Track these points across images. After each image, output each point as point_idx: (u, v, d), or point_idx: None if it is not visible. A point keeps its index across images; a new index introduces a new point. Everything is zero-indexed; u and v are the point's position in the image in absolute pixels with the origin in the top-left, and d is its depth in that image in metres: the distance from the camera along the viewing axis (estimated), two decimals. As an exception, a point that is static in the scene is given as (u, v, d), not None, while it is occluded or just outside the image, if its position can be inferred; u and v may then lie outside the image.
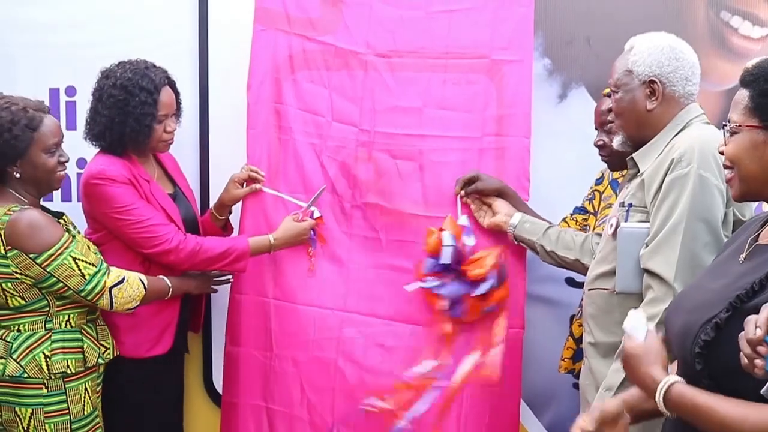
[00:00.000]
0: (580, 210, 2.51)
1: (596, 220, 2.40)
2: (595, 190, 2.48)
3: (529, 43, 2.43)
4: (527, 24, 2.41)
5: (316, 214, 2.49)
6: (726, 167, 1.51)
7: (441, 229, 2.38)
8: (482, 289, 2.32)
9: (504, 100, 2.41)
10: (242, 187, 2.51)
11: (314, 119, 2.52)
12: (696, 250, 1.79)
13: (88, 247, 2.22)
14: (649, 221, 1.88)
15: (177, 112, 2.43)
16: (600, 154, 2.36)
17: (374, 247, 2.48)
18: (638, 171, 1.97)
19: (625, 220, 1.94)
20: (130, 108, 2.28)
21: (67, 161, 2.22)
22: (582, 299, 2.37)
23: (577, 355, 2.39)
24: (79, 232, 2.29)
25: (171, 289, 2.34)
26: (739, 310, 1.35)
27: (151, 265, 2.36)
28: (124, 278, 2.20)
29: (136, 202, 2.30)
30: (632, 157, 1.99)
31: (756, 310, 1.31)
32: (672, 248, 1.80)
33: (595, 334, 2.03)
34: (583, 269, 2.24)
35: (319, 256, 2.50)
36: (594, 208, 2.47)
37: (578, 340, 2.36)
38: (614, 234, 1.96)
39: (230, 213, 2.60)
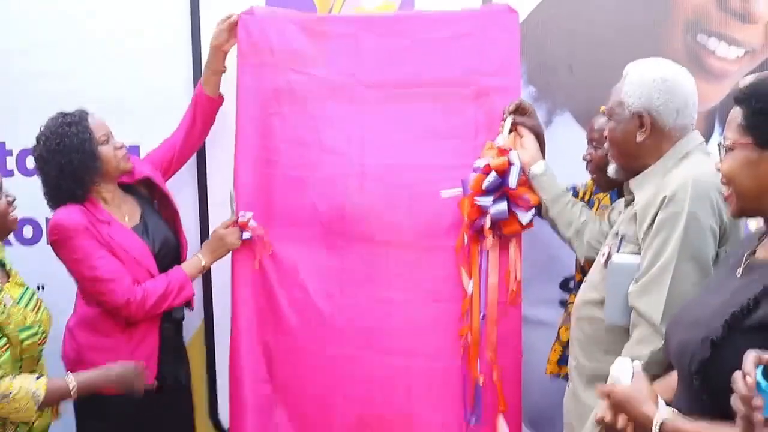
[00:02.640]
0: (573, 192, 2.50)
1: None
2: (596, 197, 2.49)
3: (516, 68, 2.41)
4: (514, 50, 2.40)
5: (242, 219, 2.46)
6: (723, 184, 1.53)
7: (500, 148, 2.31)
8: (528, 217, 2.30)
9: (493, 127, 2.39)
10: None
11: (303, 152, 2.50)
12: (685, 290, 1.76)
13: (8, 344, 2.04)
14: (640, 253, 1.86)
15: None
16: (587, 169, 2.38)
17: (366, 281, 2.45)
18: (634, 199, 1.96)
19: (618, 250, 1.93)
20: (67, 145, 2.31)
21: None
22: (568, 305, 2.43)
23: (563, 360, 2.42)
24: (17, 304, 2.10)
25: (74, 390, 2.10)
26: (735, 328, 1.37)
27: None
28: (10, 394, 1.99)
29: (92, 253, 2.31)
30: (628, 184, 1.99)
31: (751, 330, 1.34)
32: (660, 289, 1.78)
33: (579, 358, 2.04)
34: (571, 248, 2.32)
35: (311, 291, 2.47)
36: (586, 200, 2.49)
37: (565, 346, 2.39)
38: (606, 263, 1.96)
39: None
